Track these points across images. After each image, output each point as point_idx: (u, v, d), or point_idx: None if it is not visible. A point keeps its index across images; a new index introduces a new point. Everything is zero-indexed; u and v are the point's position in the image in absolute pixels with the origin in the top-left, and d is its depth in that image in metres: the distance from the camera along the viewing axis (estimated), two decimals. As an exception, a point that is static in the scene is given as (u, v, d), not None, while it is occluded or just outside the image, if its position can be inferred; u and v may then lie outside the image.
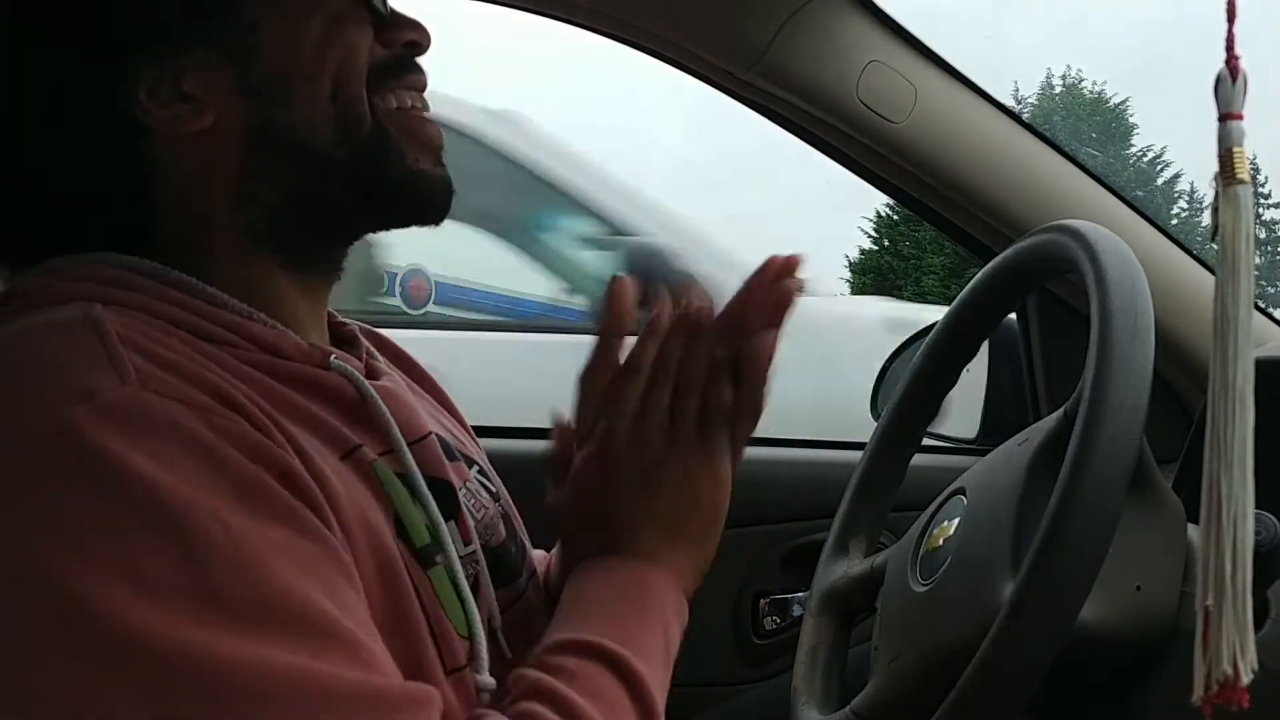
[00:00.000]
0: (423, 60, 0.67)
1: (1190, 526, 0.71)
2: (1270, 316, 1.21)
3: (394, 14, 0.65)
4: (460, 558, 0.64)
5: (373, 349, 0.74)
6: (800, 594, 1.29)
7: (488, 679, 0.60)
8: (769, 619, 1.30)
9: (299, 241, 0.64)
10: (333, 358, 0.63)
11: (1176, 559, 0.69)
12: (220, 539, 0.47)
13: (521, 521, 0.80)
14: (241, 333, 0.59)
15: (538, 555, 0.88)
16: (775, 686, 1.24)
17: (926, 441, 0.93)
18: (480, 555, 0.68)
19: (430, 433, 0.68)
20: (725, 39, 1.08)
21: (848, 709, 0.79)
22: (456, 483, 0.70)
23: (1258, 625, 0.56)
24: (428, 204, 0.67)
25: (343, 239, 0.68)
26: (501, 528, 0.75)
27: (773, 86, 1.11)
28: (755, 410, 0.66)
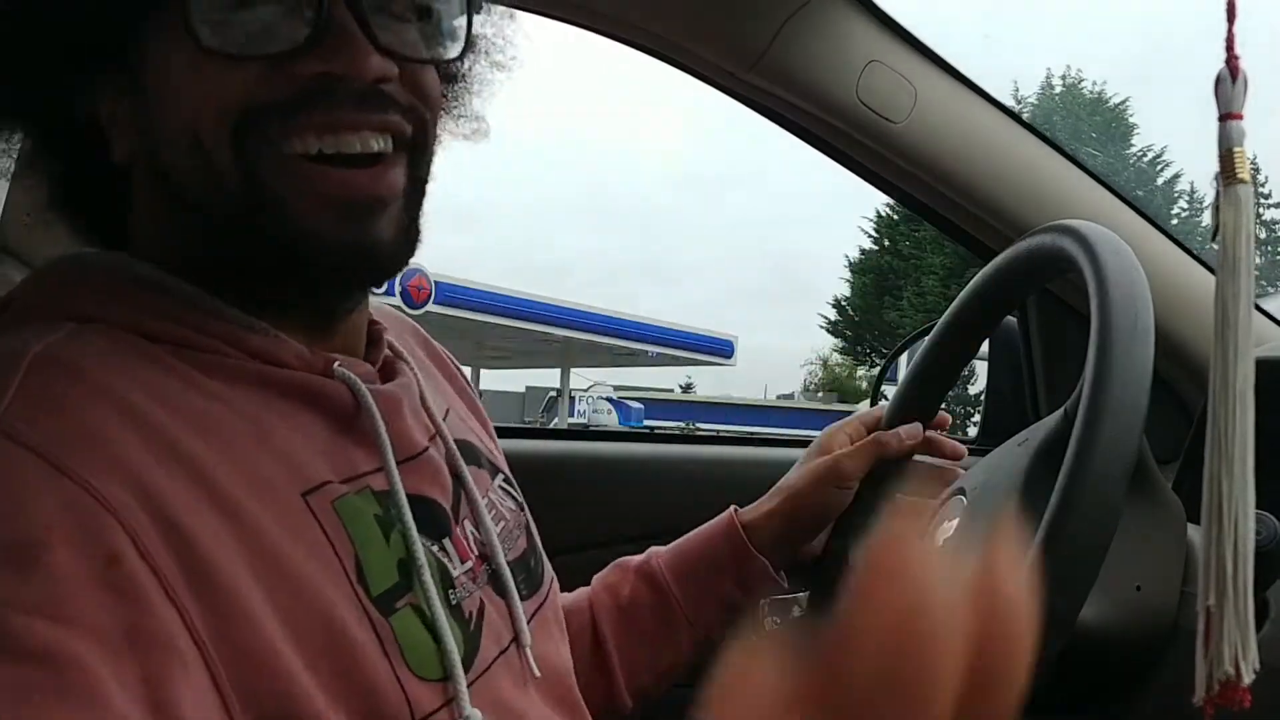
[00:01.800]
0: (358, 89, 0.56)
1: (1191, 526, 0.71)
2: (1270, 317, 1.21)
3: (323, 34, 0.54)
4: (456, 577, 0.62)
5: (398, 347, 0.71)
6: (800, 595, 1.29)
7: (473, 715, 0.57)
8: (769, 620, 1.30)
9: (235, 282, 0.59)
10: (336, 365, 0.60)
11: (1177, 559, 0.69)
12: None
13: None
14: (236, 343, 0.57)
15: (571, 598, 0.89)
16: (775, 687, 1.24)
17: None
18: (504, 570, 0.66)
19: (425, 449, 0.65)
20: (725, 39, 1.08)
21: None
22: (479, 491, 0.68)
23: (1258, 625, 0.56)
24: (321, 269, 0.57)
25: (267, 289, 0.60)
26: (523, 539, 0.74)
27: (773, 86, 1.11)
28: None
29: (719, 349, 19.79)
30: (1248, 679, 0.46)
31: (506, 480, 0.77)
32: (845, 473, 0.88)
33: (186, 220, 0.59)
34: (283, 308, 0.60)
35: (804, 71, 1.09)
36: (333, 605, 0.53)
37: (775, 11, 1.04)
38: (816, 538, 0.92)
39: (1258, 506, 0.48)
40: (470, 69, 0.69)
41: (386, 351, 0.69)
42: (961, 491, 0.80)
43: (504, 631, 0.65)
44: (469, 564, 0.64)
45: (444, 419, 0.71)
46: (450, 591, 0.61)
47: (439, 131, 0.64)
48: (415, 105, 0.60)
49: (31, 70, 0.58)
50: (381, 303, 0.75)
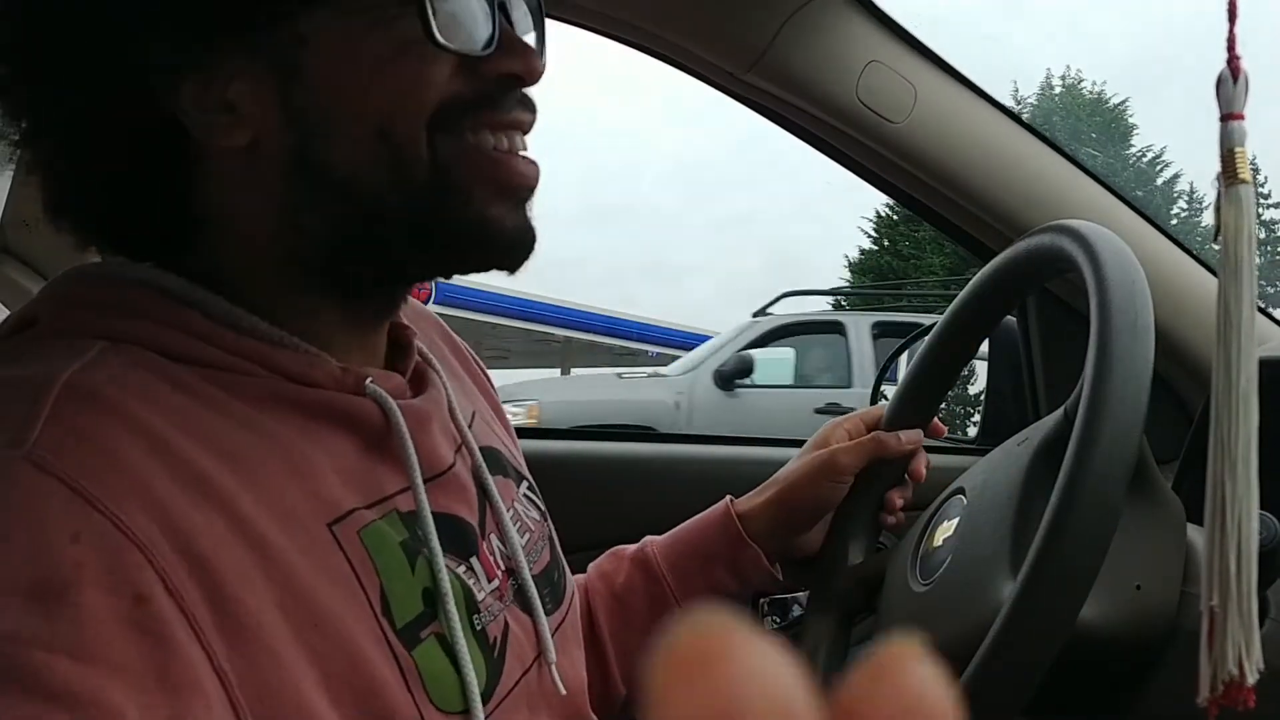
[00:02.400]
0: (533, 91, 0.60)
1: (1190, 526, 0.71)
2: (1271, 317, 1.21)
3: (502, 37, 0.57)
4: (482, 599, 0.61)
5: (427, 352, 0.70)
6: (800, 594, 1.29)
7: None
8: (769, 619, 1.30)
9: (351, 278, 0.59)
10: (368, 382, 0.59)
11: (1177, 559, 0.69)
12: None
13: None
14: (266, 362, 0.56)
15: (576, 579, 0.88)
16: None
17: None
18: (530, 586, 0.66)
19: (453, 465, 0.64)
20: (725, 39, 1.08)
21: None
22: (504, 503, 0.68)
23: (1260, 625, 0.56)
24: (496, 252, 0.61)
25: (401, 280, 0.63)
26: (546, 551, 0.73)
27: (773, 86, 1.11)
28: None
29: (718, 349, 19.76)
30: (1252, 679, 0.46)
31: (530, 488, 0.77)
32: (841, 467, 0.88)
33: (340, 212, 0.57)
34: (314, 319, 0.59)
35: (804, 71, 1.09)
36: (357, 640, 0.52)
37: (775, 11, 1.04)
38: (811, 531, 0.92)
39: (1260, 507, 0.48)
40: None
41: (416, 358, 0.68)
42: (961, 491, 0.80)
43: (528, 649, 0.64)
44: (495, 582, 0.64)
45: (469, 425, 0.70)
46: (475, 616, 0.60)
47: None
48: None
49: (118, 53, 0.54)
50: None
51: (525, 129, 0.60)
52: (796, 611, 1.32)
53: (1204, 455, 0.49)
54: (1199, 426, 1.05)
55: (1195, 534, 0.70)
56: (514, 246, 0.61)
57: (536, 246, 0.62)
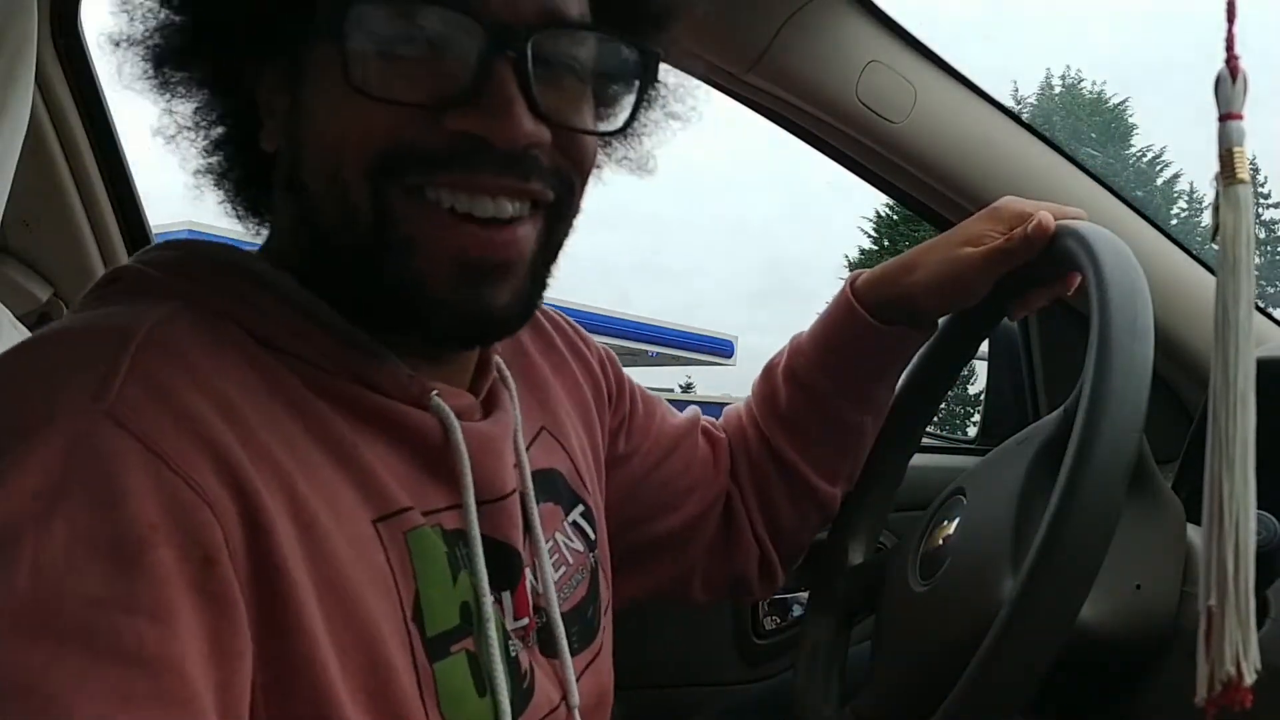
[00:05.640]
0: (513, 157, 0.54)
1: (1190, 526, 0.71)
2: (1270, 316, 1.21)
3: (478, 92, 0.52)
4: (511, 630, 0.60)
5: (505, 370, 0.68)
6: (800, 594, 1.29)
7: None
8: (769, 619, 1.31)
9: (353, 302, 0.58)
10: (434, 395, 0.58)
11: (1177, 559, 0.69)
12: (52, 574, 0.42)
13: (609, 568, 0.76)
14: (336, 359, 0.56)
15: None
16: (775, 686, 1.24)
17: (926, 442, 0.93)
18: (558, 627, 0.64)
19: (512, 492, 0.63)
20: (725, 39, 1.08)
21: (848, 708, 0.79)
22: (545, 533, 0.66)
23: (1258, 624, 0.56)
24: (432, 328, 0.56)
25: (392, 327, 0.58)
26: (584, 585, 0.71)
27: (773, 86, 1.11)
28: None
29: (719, 349, 19.76)
30: (1249, 679, 0.46)
31: (585, 513, 0.74)
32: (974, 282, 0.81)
33: (313, 235, 0.57)
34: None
35: (804, 71, 1.09)
36: (383, 638, 0.52)
37: (775, 12, 1.04)
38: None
39: (1258, 507, 0.48)
40: (641, 119, 0.66)
41: (494, 374, 0.67)
42: (961, 491, 0.80)
43: (553, 691, 0.64)
44: (524, 621, 0.63)
45: (530, 445, 0.68)
46: (510, 643, 0.60)
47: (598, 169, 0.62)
48: (563, 170, 0.57)
49: (207, 35, 0.57)
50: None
51: (490, 192, 0.54)
52: (797, 611, 1.32)
53: (1204, 455, 0.49)
54: (1199, 427, 1.05)
55: (1195, 534, 0.70)
56: (454, 326, 0.55)
57: (497, 328, 0.57)
